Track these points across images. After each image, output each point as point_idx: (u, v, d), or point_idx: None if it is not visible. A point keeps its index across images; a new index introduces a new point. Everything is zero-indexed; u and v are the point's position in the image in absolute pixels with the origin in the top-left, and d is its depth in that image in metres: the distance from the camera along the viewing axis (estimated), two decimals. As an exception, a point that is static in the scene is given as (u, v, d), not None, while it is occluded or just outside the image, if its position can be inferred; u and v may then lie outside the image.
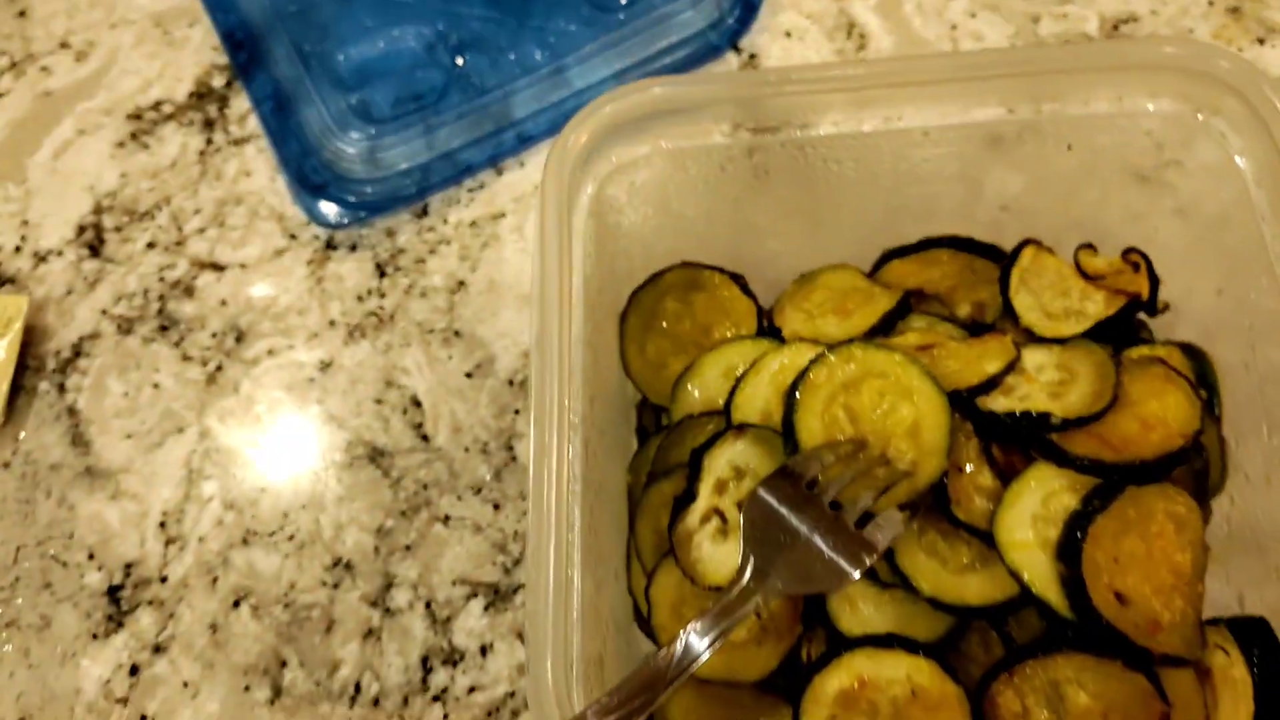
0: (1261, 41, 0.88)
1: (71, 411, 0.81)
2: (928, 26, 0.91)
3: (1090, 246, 0.73)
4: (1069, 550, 0.59)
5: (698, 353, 0.71)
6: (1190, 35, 0.88)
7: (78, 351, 0.83)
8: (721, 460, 0.64)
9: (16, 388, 0.82)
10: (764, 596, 0.53)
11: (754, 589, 0.53)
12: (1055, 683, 0.60)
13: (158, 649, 0.73)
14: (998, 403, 0.64)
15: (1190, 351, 0.68)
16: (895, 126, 0.67)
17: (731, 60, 0.91)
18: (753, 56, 0.91)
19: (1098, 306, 0.70)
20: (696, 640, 0.51)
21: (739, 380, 0.67)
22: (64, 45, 0.98)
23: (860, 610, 0.64)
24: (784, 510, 0.57)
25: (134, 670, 0.73)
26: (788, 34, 0.92)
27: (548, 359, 0.57)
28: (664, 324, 0.73)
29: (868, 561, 0.55)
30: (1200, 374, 0.67)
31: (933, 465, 0.62)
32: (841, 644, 0.62)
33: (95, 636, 0.74)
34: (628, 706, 0.48)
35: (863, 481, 0.59)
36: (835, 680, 0.61)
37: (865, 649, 0.62)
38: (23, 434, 0.81)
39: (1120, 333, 0.70)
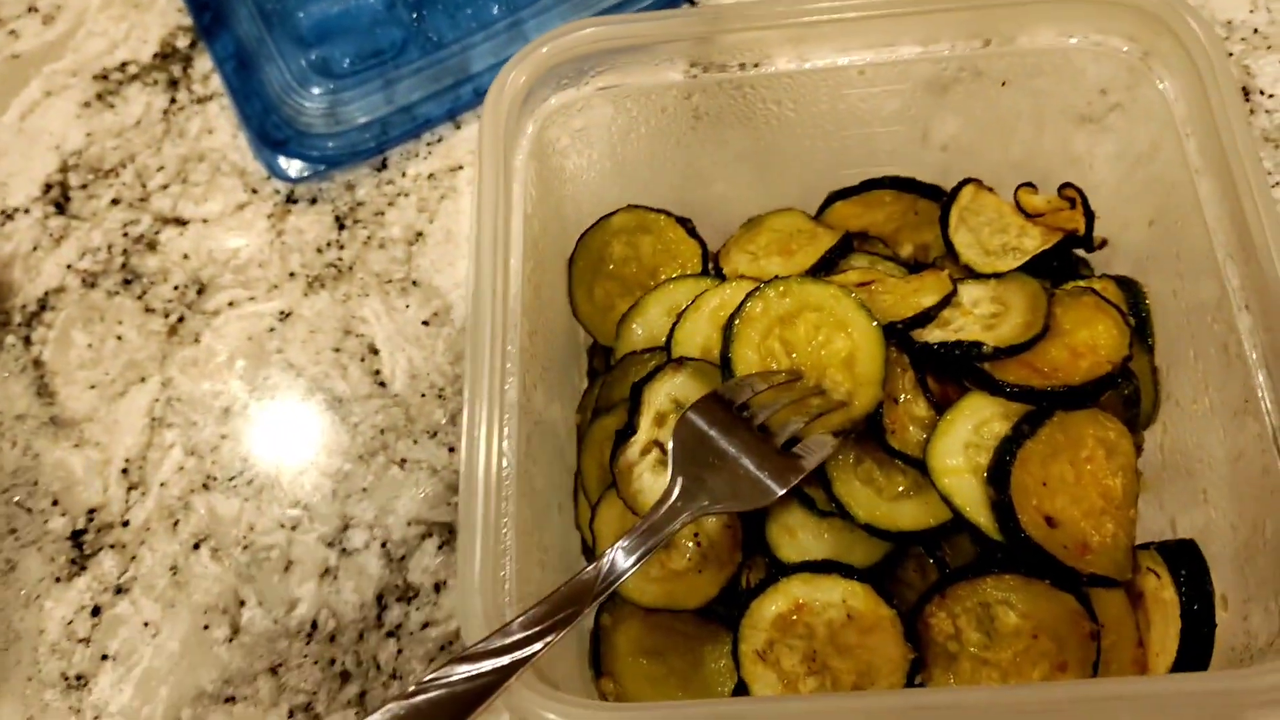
0: (1210, -13, 0.88)
1: (37, 364, 0.83)
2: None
3: (1031, 185, 0.74)
4: (998, 474, 0.61)
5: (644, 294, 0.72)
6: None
7: (43, 305, 0.85)
8: (661, 394, 0.66)
9: (-17, 341, 0.83)
10: (691, 514, 0.54)
11: (681, 507, 0.55)
12: (986, 604, 0.62)
13: (119, 590, 0.75)
14: (933, 334, 0.66)
15: (1124, 284, 0.69)
16: (832, 65, 0.68)
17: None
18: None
19: (1034, 242, 0.71)
20: (623, 557, 0.52)
21: (679, 316, 0.68)
22: (31, 9, 0.99)
23: (799, 539, 0.65)
24: (713, 432, 0.58)
25: (95, 611, 0.74)
26: (743, -13, 0.93)
27: (482, 290, 0.59)
28: (611, 267, 0.74)
29: (793, 480, 0.57)
30: (1133, 304, 0.69)
31: (868, 395, 0.64)
32: (780, 570, 0.64)
33: (59, 580, 0.76)
34: (553, 617, 0.49)
35: (795, 408, 0.60)
36: (773, 605, 0.63)
37: (802, 575, 0.63)
38: (-10, 386, 0.83)
39: (1059, 268, 0.71)
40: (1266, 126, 0.82)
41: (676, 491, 0.55)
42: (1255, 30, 0.86)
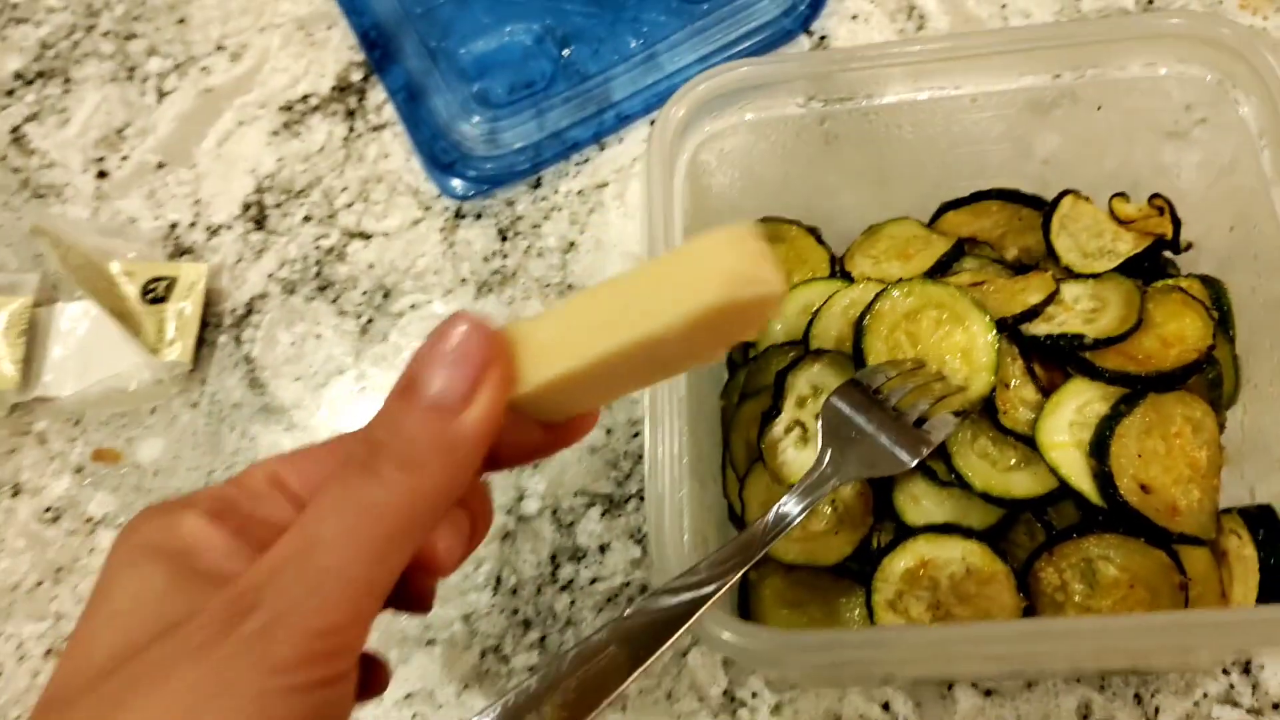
0: (1286, 9, 0.97)
1: (248, 360, 0.96)
2: (980, 6, 1.02)
3: (1123, 195, 0.83)
4: (1099, 448, 0.70)
5: (780, 294, 0.83)
6: (1219, 6, 0.98)
7: (250, 309, 0.98)
8: (802, 380, 0.77)
9: (200, 341, 0.97)
10: (839, 479, 0.65)
11: (830, 473, 0.65)
12: (1089, 559, 0.71)
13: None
14: (1039, 328, 0.76)
15: (1208, 282, 0.78)
16: (947, 94, 0.78)
17: (804, 43, 1.03)
18: (823, 39, 1.03)
19: (1128, 245, 0.80)
20: (788, 509, 0.63)
21: (815, 314, 0.79)
22: (220, 47, 1.13)
23: (922, 505, 0.76)
24: (853, 413, 0.69)
25: (312, 569, 0.87)
26: (854, 17, 1.03)
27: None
28: (750, 271, 0.85)
29: (924, 452, 0.67)
30: (1216, 300, 0.78)
31: (982, 381, 0.74)
32: (906, 532, 0.74)
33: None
34: (731, 560, 0.60)
35: (921, 391, 0.71)
36: (901, 561, 0.73)
37: (927, 535, 0.73)
38: (207, 380, 0.96)
39: (1149, 268, 0.81)
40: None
41: (826, 459, 0.66)
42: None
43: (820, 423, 0.68)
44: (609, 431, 0.89)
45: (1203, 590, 0.72)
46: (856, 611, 0.77)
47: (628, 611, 0.57)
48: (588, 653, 0.53)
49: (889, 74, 0.77)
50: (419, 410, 0.43)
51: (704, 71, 0.76)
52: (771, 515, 0.63)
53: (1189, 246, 0.81)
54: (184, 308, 0.97)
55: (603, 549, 0.85)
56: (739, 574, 0.60)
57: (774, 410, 0.76)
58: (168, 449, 0.93)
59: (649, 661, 0.55)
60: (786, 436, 0.76)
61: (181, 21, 1.15)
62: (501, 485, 0.88)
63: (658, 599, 0.59)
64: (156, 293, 0.98)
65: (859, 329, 0.75)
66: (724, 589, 0.59)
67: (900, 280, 0.76)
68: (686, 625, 0.58)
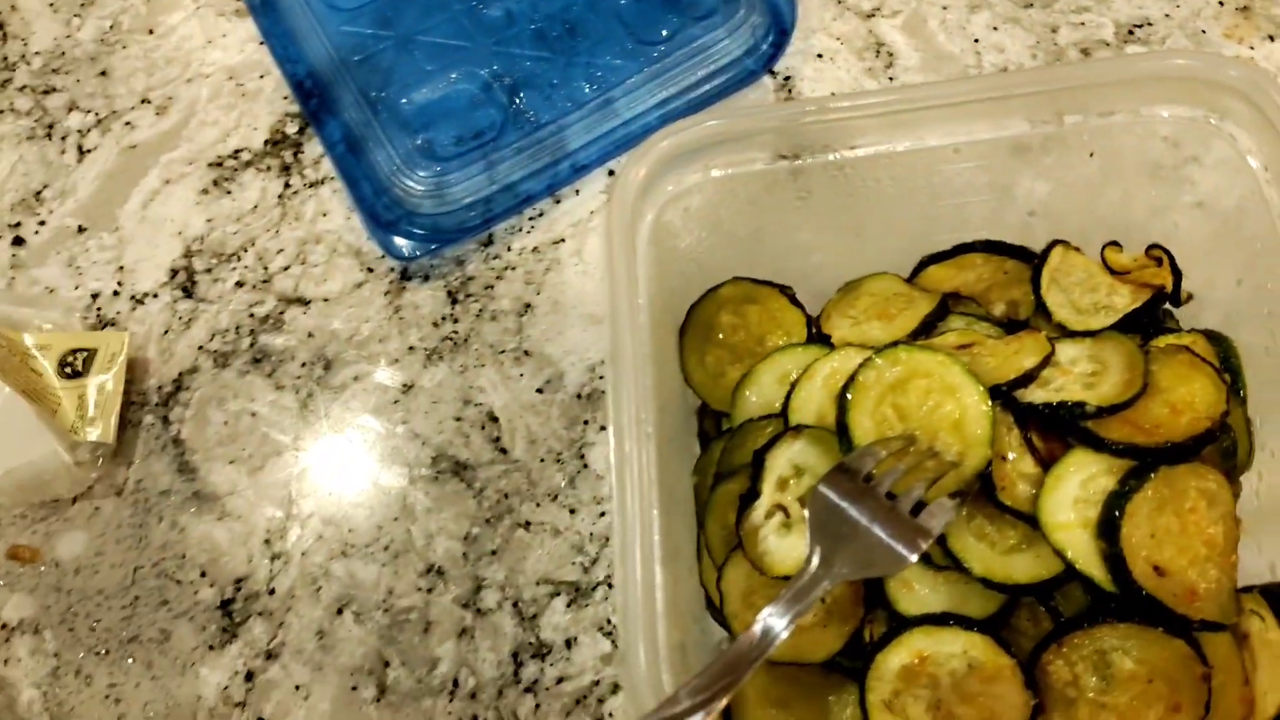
0: (1272, 39, 0.92)
1: (176, 441, 0.88)
2: (952, 42, 0.97)
3: (1116, 244, 0.78)
4: (1108, 528, 0.65)
5: (753, 361, 0.77)
6: (1203, 36, 0.93)
7: (179, 385, 0.91)
8: (782, 459, 0.70)
9: (125, 422, 0.89)
10: (831, 581, 0.59)
11: (822, 575, 0.59)
12: (1102, 651, 0.65)
13: (270, 655, 0.80)
14: (1035, 395, 0.70)
15: (1214, 338, 0.73)
16: (927, 145, 0.73)
17: (768, 83, 0.97)
18: (787, 79, 0.97)
19: (1125, 300, 0.75)
20: (774, 622, 0.57)
21: (793, 385, 0.72)
22: (145, 100, 1.05)
23: (917, 592, 0.69)
24: (844, 503, 0.62)
25: (249, 676, 0.79)
26: (819, 56, 0.98)
27: (622, 375, 0.63)
28: (720, 335, 0.79)
29: (923, 546, 0.61)
30: (1224, 359, 0.72)
31: (978, 455, 0.68)
32: (901, 624, 0.68)
33: (212, 647, 0.81)
34: (715, 686, 0.54)
35: (914, 473, 0.65)
36: (897, 657, 0.67)
37: (923, 627, 0.67)
38: (133, 464, 0.88)
39: (1148, 323, 0.75)
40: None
41: (816, 560, 0.60)
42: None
43: (808, 516, 0.62)
44: (573, 512, 0.82)
45: (1225, 679, 0.66)
46: (848, 711, 0.70)
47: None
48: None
49: (863, 125, 0.72)
50: None
51: (665, 127, 0.70)
52: (758, 629, 0.56)
53: (1189, 298, 0.76)
54: (105, 381, 0.89)
55: (569, 643, 0.78)
56: (721, 702, 0.53)
57: (752, 493, 0.70)
58: (90, 544, 0.85)
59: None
60: (768, 522, 0.69)
61: (103, 74, 1.07)
62: (457, 576, 0.81)
63: (634, 734, 0.52)
64: (74, 366, 0.90)
65: (842, 403, 0.69)
66: (707, 721, 0.52)
67: (884, 348, 0.70)
68: (668, 765, 0.51)
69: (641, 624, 0.57)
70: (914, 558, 0.60)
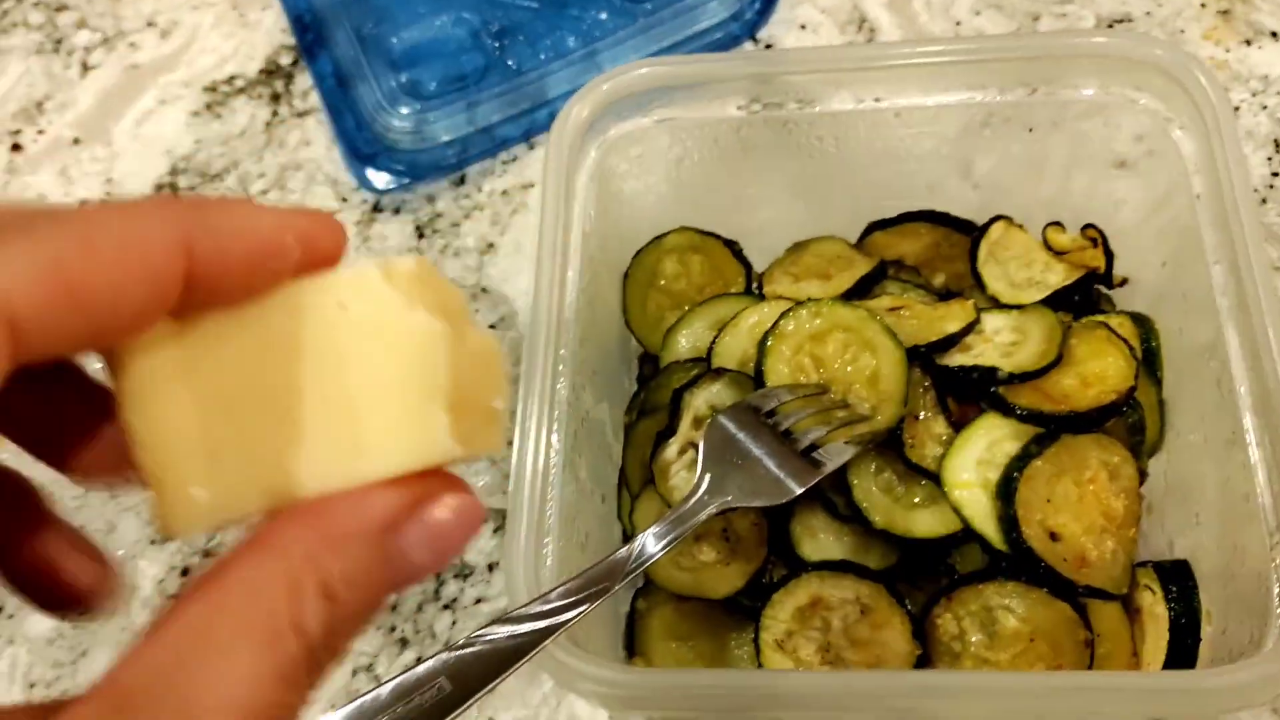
0: (1249, 43, 0.92)
1: (143, 347, 0.92)
2: (934, 22, 0.98)
3: (1059, 224, 0.79)
4: (1006, 489, 0.66)
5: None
6: (1181, 35, 0.94)
7: (151, 295, 0.94)
8: (700, 399, 0.72)
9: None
10: (716, 507, 0.60)
11: (708, 500, 0.61)
12: (989, 608, 0.67)
13: (206, 554, 0.83)
14: (953, 358, 0.71)
15: (1138, 320, 0.74)
16: (883, 106, 0.74)
17: (749, 49, 0.98)
18: (769, 47, 0.99)
19: (1058, 277, 0.76)
20: (653, 542, 0.58)
21: (720, 331, 0.74)
22: (150, 24, 1.09)
23: (820, 539, 0.71)
24: (740, 435, 0.64)
25: (185, 572, 0.83)
26: (802, 26, 0.99)
27: (540, 298, 0.65)
28: (663, 281, 0.81)
29: (810, 481, 0.62)
30: (1144, 339, 0.73)
31: (890, 411, 0.69)
32: (801, 567, 0.70)
33: (153, 542, 0.84)
34: (588, 590, 0.55)
35: (819, 418, 0.66)
36: (793, 599, 0.69)
37: (821, 572, 0.69)
38: (100, 366, 0.91)
39: (1080, 303, 0.76)
40: (1297, 177, 0.87)
41: (704, 486, 0.61)
42: (1292, 84, 0.91)
43: (701, 444, 0.64)
44: (509, 443, 0.84)
45: (1112, 648, 0.67)
46: (745, 649, 0.72)
47: (460, 640, 0.53)
48: (410, 684, 0.48)
49: (818, 81, 0.73)
50: None
51: (612, 69, 0.72)
52: (638, 542, 0.58)
53: (1124, 282, 0.77)
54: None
55: (491, 567, 0.80)
56: (592, 606, 0.55)
57: (669, 430, 0.72)
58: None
59: (477, 696, 0.50)
60: (680, 459, 0.71)
61: (116, -5, 1.11)
62: (391, 494, 0.83)
63: (498, 627, 0.54)
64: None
65: (761, 348, 0.70)
66: (573, 622, 0.54)
67: (809, 300, 0.71)
68: (526, 659, 0.53)
69: (523, 539, 0.60)
70: (799, 490, 0.62)
